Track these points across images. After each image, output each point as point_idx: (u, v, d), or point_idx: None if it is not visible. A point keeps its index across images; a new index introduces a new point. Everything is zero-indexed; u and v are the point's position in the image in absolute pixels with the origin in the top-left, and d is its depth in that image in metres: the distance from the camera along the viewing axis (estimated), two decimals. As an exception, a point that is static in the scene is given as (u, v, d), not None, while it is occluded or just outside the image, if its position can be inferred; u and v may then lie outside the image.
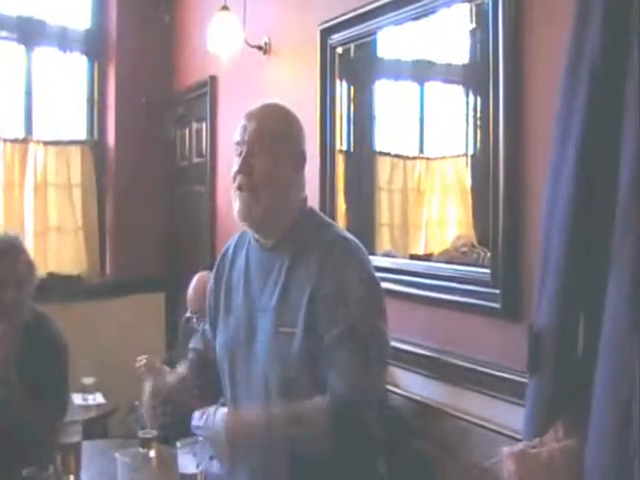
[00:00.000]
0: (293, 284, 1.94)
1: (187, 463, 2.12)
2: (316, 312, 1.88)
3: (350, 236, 2.05)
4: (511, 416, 2.03)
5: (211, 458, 2.20)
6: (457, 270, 2.45)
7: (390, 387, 2.54)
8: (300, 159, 2.06)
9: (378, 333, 1.92)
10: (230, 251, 2.20)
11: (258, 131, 1.97)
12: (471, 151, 2.52)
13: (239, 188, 1.97)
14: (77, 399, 3.63)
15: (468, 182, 2.55)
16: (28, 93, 4.69)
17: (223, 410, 3.04)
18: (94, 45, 4.97)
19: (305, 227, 2.03)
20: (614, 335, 1.35)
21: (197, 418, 3.09)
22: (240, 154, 1.98)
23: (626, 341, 1.32)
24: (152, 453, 2.50)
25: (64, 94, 4.86)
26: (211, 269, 3.80)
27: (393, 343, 2.12)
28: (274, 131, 1.99)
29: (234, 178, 1.99)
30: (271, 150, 1.96)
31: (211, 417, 3.03)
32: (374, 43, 2.97)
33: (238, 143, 2.00)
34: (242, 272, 2.09)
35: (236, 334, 2.06)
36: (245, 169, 1.95)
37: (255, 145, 1.96)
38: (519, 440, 1.62)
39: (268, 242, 2.03)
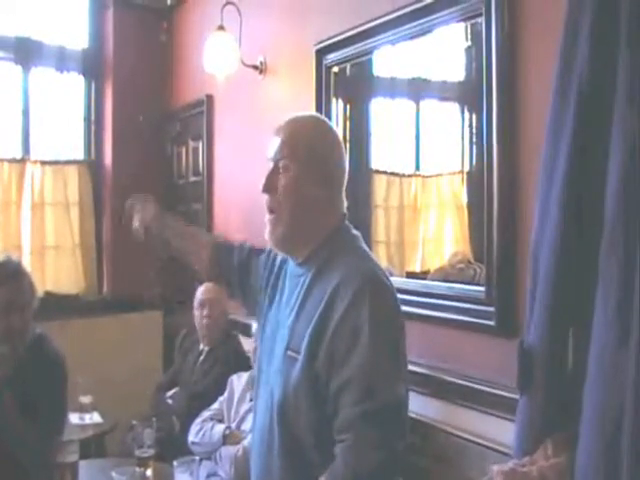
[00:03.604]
0: (306, 307, 1.85)
1: (184, 482, 2.12)
2: (319, 346, 1.76)
3: (373, 266, 1.88)
4: (506, 432, 2.03)
5: (208, 476, 2.20)
6: (452, 288, 2.46)
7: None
8: (328, 174, 1.91)
9: (378, 387, 1.70)
10: (279, 258, 2.08)
11: (281, 147, 1.88)
12: (467, 168, 2.53)
13: (268, 211, 1.89)
14: (74, 418, 3.62)
15: (464, 199, 2.57)
16: (25, 113, 4.70)
17: (220, 427, 3.05)
18: (91, 65, 5.00)
19: (332, 247, 1.90)
20: (602, 351, 1.35)
21: (194, 434, 3.10)
22: None
23: (613, 357, 1.32)
24: (149, 472, 2.50)
25: (61, 114, 4.88)
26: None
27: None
28: (298, 146, 1.87)
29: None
30: (294, 166, 1.85)
31: (208, 433, 3.03)
32: (370, 62, 2.99)
33: (268, 160, 1.91)
34: (279, 285, 2.02)
35: (265, 345, 2.01)
36: (267, 187, 1.87)
37: (279, 161, 1.87)
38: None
39: (298, 258, 1.94)
